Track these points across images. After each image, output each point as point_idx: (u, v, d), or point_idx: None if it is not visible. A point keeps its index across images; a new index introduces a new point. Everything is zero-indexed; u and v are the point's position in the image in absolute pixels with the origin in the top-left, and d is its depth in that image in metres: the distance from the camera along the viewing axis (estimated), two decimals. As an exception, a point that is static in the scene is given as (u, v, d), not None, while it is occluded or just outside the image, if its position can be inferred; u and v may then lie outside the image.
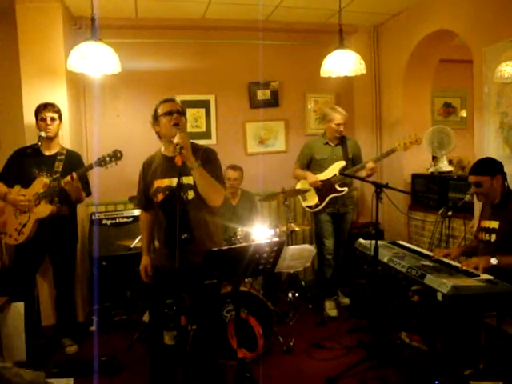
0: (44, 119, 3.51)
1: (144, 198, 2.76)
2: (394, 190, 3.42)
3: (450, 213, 3.45)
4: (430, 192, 4.46)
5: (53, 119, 3.54)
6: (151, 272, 2.78)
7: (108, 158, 3.23)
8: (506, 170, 3.07)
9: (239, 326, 2.68)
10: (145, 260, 2.82)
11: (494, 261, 2.82)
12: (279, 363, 3.38)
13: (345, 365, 3.19)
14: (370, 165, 4.07)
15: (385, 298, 3.59)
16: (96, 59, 3.25)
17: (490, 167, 3.06)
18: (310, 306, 4.32)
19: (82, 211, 4.11)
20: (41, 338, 3.66)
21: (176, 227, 2.27)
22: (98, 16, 3.34)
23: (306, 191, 4.29)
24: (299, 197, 4.46)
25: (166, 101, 2.63)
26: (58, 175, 3.48)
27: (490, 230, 3.09)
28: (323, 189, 4.23)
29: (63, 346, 3.63)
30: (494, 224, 3.05)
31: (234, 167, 4.25)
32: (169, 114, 2.56)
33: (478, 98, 3.79)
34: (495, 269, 2.79)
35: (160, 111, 2.59)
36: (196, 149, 2.59)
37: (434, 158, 4.73)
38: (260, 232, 3.55)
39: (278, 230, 4.02)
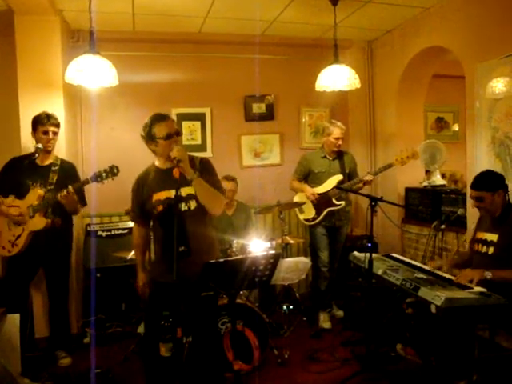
0: (47, 133, 3.50)
1: (139, 211, 2.77)
2: (389, 203, 3.47)
3: (443, 226, 3.50)
4: (424, 205, 4.51)
5: (55, 133, 3.55)
6: (147, 286, 2.78)
7: (104, 174, 3.18)
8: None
9: (235, 338, 2.69)
10: (141, 276, 2.82)
11: (487, 274, 2.84)
12: (274, 376, 3.37)
13: (340, 377, 3.21)
14: (369, 177, 4.11)
15: (379, 311, 3.61)
16: (94, 72, 3.29)
17: (491, 182, 3.05)
18: (305, 318, 4.32)
19: (77, 223, 4.10)
20: (34, 350, 3.64)
21: (173, 240, 2.29)
22: (95, 29, 3.39)
23: (303, 204, 4.32)
24: (296, 210, 4.48)
25: (160, 119, 2.58)
26: (52, 187, 3.48)
27: (487, 243, 3.08)
28: (320, 202, 4.25)
29: (57, 358, 3.60)
30: (493, 237, 3.05)
31: (228, 178, 4.29)
32: (168, 137, 2.54)
33: (470, 113, 3.86)
34: (488, 282, 2.82)
35: (157, 133, 2.54)
36: (191, 159, 2.61)
37: (427, 172, 4.79)
38: (256, 244, 3.56)
39: (274, 242, 4.03)
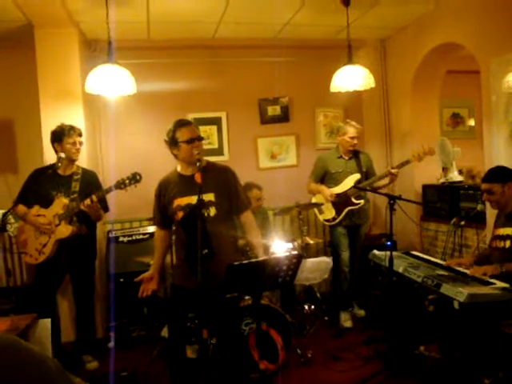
0: (75, 143, 3.57)
1: (160, 216, 2.83)
2: (407, 201, 3.48)
3: (462, 222, 3.50)
4: (442, 202, 4.50)
5: (81, 143, 3.63)
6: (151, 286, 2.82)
7: (128, 181, 3.25)
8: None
9: (260, 338, 2.73)
10: (148, 273, 2.86)
11: (499, 268, 2.88)
12: (298, 375, 3.39)
13: (363, 375, 3.22)
14: (395, 170, 4.07)
15: (400, 309, 3.61)
16: (113, 81, 3.37)
17: (501, 175, 3.11)
18: (326, 318, 4.34)
19: (99, 229, 4.17)
20: (61, 355, 3.71)
21: (196, 243, 2.35)
22: (111, 37, 3.48)
23: (321, 205, 4.34)
24: (315, 210, 4.49)
25: (184, 124, 2.68)
26: (75, 195, 3.55)
27: (504, 237, 3.11)
28: (340, 202, 4.26)
29: (84, 362, 3.68)
30: (508, 231, 3.07)
31: (259, 187, 4.31)
32: (190, 141, 2.63)
33: (487, 108, 3.84)
34: (509, 276, 2.82)
35: (180, 137, 2.64)
36: (212, 168, 2.67)
37: (444, 169, 4.78)
38: (278, 245, 3.60)
39: (295, 243, 4.06)
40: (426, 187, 4.82)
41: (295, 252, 2.85)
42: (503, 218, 3.20)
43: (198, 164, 2.56)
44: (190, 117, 4.87)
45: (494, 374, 2.90)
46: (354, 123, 4.32)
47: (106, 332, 4.26)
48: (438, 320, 3.15)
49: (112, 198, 3.99)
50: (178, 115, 4.16)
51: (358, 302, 4.57)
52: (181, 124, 2.68)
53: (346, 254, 4.30)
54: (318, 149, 5.25)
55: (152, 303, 4.28)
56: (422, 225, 4.87)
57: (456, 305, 2.56)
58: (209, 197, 2.59)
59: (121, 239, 4.49)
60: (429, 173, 4.85)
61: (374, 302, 4.32)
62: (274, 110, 5.20)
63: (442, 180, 4.65)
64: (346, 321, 4.27)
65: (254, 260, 2.41)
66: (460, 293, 2.55)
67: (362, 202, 4.25)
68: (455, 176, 4.59)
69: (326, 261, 3.78)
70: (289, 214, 4.95)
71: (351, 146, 4.29)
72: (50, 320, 2.54)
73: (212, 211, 2.63)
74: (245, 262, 2.37)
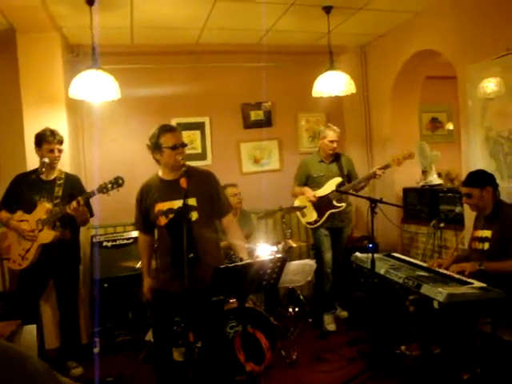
0: (52, 151, 3.56)
1: (143, 221, 2.85)
2: (388, 204, 3.56)
3: (441, 224, 3.60)
4: (422, 205, 4.60)
5: (60, 151, 3.62)
6: (151, 293, 2.85)
7: (110, 185, 3.25)
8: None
9: (246, 340, 2.77)
10: (147, 281, 2.89)
11: (479, 266, 3.00)
12: (283, 377, 3.44)
13: (347, 376, 3.27)
14: (382, 171, 4.12)
15: (382, 310, 3.69)
16: (97, 87, 3.38)
17: (480, 179, 3.22)
18: (310, 320, 4.40)
19: (83, 234, 4.17)
20: (46, 362, 3.68)
21: (182, 247, 2.38)
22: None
23: (304, 208, 4.40)
24: (298, 213, 4.56)
25: (168, 130, 2.69)
26: (58, 200, 3.54)
27: (482, 239, 3.23)
28: (322, 205, 4.34)
29: (68, 368, 3.66)
30: (487, 233, 3.19)
31: (232, 184, 4.37)
32: (175, 148, 2.65)
33: (463, 113, 3.96)
34: (488, 277, 2.92)
35: (164, 143, 2.65)
36: (194, 173, 2.70)
37: (424, 172, 4.88)
38: (263, 248, 3.65)
39: (280, 246, 4.12)
40: (406, 190, 4.93)
41: (279, 255, 2.89)
42: (482, 220, 3.31)
43: (182, 169, 2.58)
44: (174, 122, 4.91)
45: (473, 369, 3.00)
46: (333, 127, 4.39)
47: (90, 337, 4.24)
48: (419, 320, 3.24)
49: (96, 203, 3.99)
50: (162, 120, 4.17)
51: (341, 303, 4.64)
52: (166, 129, 2.69)
53: (328, 256, 4.37)
54: (300, 153, 5.32)
55: (137, 308, 4.29)
56: (402, 227, 4.97)
57: (436, 304, 2.64)
58: (191, 201, 2.61)
59: (105, 244, 4.48)
60: (409, 176, 4.96)
61: (356, 303, 4.40)
62: (256, 115, 5.25)
63: (422, 183, 4.76)
64: (329, 324, 4.33)
65: (239, 263, 2.45)
66: (439, 293, 2.64)
67: (343, 205, 4.32)
68: (434, 179, 4.70)
69: (309, 263, 3.84)
70: (272, 218, 5.00)
71: (330, 150, 4.36)
72: (35, 326, 2.54)
73: (194, 216, 2.65)
74: (230, 265, 2.41)
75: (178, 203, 2.57)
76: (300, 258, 5.16)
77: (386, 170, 4.20)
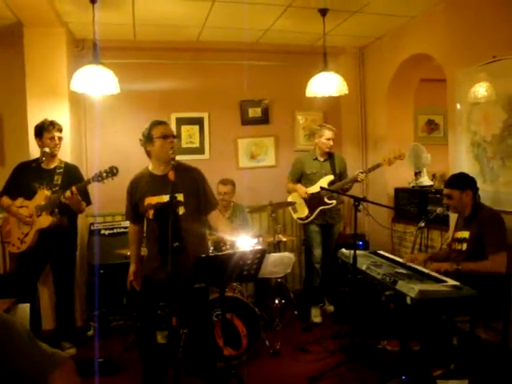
0: (53, 138, 3.74)
1: (132, 212, 3.00)
2: (372, 203, 3.70)
3: (422, 224, 3.70)
4: (411, 205, 4.71)
5: (60, 138, 3.79)
6: (139, 280, 3.01)
7: (105, 174, 3.38)
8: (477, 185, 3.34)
9: (225, 326, 2.92)
10: (133, 267, 3.07)
11: (455, 265, 3.10)
12: (265, 365, 3.60)
13: (326, 367, 3.41)
14: (362, 176, 4.30)
15: (365, 305, 3.82)
16: (97, 82, 3.53)
17: (460, 182, 3.34)
18: (296, 312, 4.54)
19: (81, 222, 4.33)
20: (41, 341, 3.86)
21: (168, 237, 2.52)
22: (98, 39, 3.63)
23: (293, 204, 4.54)
24: (290, 209, 4.70)
25: (159, 123, 2.85)
26: (57, 188, 3.71)
27: (461, 240, 3.35)
28: (313, 201, 4.48)
29: (62, 348, 3.81)
30: (465, 234, 3.31)
31: (224, 182, 4.49)
32: (164, 137, 2.79)
33: (452, 116, 4.07)
34: (463, 276, 3.03)
35: (155, 133, 2.80)
36: (182, 168, 2.83)
37: (417, 173, 4.98)
38: (244, 241, 3.78)
39: (261, 239, 4.25)
40: (397, 190, 5.02)
41: (259, 247, 3.03)
42: (461, 222, 3.43)
43: (172, 162, 2.72)
44: (174, 116, 5.07)
45: (446, 365, 3.12)
46: (330, 126, 4.53)
47: (85, 321, 4.42)
48: (396, 314, 3.36)
49: (95, 192, 4.15)
50: (162, 115, 4.37)
51: (329, 298, 4.78)
52: (157, 123, 2.86)
53: (318, 251, 4.51)
54: (296, 150, 5.43)
55: (131, 294, 4.44)
56: (392, 226, 5.08)
57: (408, 300, 2.75)
58: (179, 197, 2.73)
59: (102, 232, 4.64)
60: (401, 176, 5.05)
61: (342, 298, 4.52)
62: (254, 112, 5.37)
63: (413, 184, 4.86)
64: (316, 316, 4.49)
65: (220, 253, 2.58)
66: (412, 289, 2.74)
67: (334, 202, 4.45)
68: (426, 180, 4.79)
69: (288, 256, 3.95)
70: (265, 212, 5.13)
71: (327, 148, 4.49)
72: (28, 305, 2.69)
73: (181, 210, 2.79)
74: (211, 255, 2.55)
75: (166, 198, 2.68)
76: (292, 251, 5.29)
77: (373, 171, 4.33)
